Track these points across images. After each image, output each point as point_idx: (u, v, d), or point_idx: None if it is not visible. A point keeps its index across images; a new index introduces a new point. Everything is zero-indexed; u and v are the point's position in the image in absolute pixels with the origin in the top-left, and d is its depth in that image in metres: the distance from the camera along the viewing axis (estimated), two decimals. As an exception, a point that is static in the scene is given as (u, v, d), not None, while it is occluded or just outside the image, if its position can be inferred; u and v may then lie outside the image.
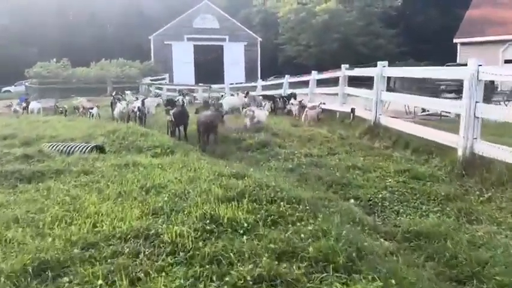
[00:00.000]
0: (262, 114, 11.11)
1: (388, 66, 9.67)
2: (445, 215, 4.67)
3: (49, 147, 8.29)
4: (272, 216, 4.10)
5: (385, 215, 4.79)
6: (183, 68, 41.73)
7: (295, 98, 14.87)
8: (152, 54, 42.64)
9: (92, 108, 14.95)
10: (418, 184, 5.69)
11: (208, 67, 42.96)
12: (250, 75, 42.47)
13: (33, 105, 18.32)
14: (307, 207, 4.41)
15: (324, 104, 13.39)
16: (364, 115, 10.45)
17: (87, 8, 52.71)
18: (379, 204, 5.07)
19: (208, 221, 3.94)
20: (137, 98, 14.65)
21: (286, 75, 18.37)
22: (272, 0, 47.60)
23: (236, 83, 31.15)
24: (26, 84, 28.35)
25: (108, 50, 42.38)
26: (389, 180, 5.88)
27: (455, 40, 29.73)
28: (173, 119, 10.01)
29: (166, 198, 4.60)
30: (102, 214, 4.26)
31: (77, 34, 48.65)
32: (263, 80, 27.39)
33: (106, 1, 52.43)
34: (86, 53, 40.62)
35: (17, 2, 47.95)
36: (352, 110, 11.19)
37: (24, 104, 19.06)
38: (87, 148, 8.04)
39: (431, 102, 8.57)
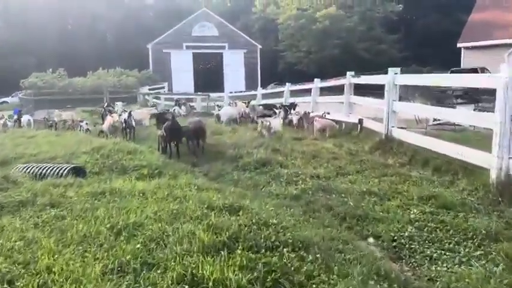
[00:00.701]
0: (277, 123, 10.69)
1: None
2: (491, 262, 3.67)
3: (22, 169, 7.34)
4: (273, 274, 3.13)
5: (416, 262, 3.79)
6: (182, 77, 40.87)
7: (294, 108, 13.90)
8: (151, 63, 41.80)
9: (81, 121, 14.01)
10: (448, 216, 4.69)
11: (208, 75, 42.14)
12: (250, 83, 41.59)
13: (24, 118, 17.40)
14: (318, 256, 3.44)
15: (328, 113, 12.43)
16: (374, 127, 9.48)
17: (86, 17, 52.09)
18: (406, 245, 4.07)
19: (187, 285, 2.98)
20: (125, 110, 13.68)
21: (287, 83, 17.42)
22: (272, 6, 46.83)
23: (236, 92, 30.21)
24: (20, 95, 27.38)
25: (108, 59, 41.61)
26: (414, 210, 4.88)
27: (459, 45, 28.84)
28: (164, 134, 9.06)
29: (139, 246, 3.64)
30: (54, 272, 3.29)
31: (76, 44, 47.96)
32: (263, 88, 26.49)
33: (105, 11, 51.86)
34: (85, 62, 39.79)
35: (15, 12, 47.32)
36: (360, 121, 10.22)
37: (15, 117, 18.15)
38: (64, 170, 7.09)
39: (458, 115, 7.54)
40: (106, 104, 14.99)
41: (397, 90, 8.39)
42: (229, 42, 43.03)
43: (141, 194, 5.51)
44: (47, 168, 7.26)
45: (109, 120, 12.10)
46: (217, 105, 18.06)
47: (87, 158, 8.44)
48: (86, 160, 8.20)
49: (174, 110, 17.11)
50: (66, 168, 7.12)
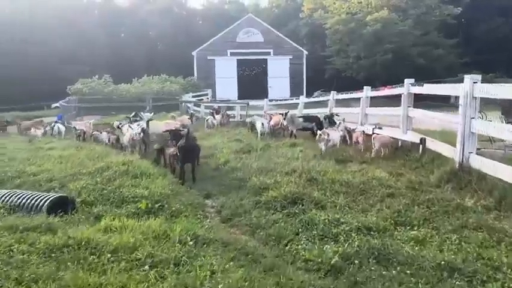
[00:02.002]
0: (336, 136, 9.69)
1: (448, 78, 6.52)
2: None
3: (0, 196, 5.97)
4: None
5: None
6: (226, 84, 39.68)
7: (331, 121, 11.90)
8: (195, 70, 40.95)
9: (101, 133, 12.78)
10: None
11: (252, 82, 40.63)
12: (295, 89, 39.58)
13: (56, 126, 16.57)
14: None
15: (380, 128, 10.35)
16: (441, 149, 7.31)
17: (137, 26, 52.53)
18: None
19: None
20: (137, 119, 12.19)
21: (332, 92, 15.35)
22: (319, 11, 44.64)
23: (279, 100, 28.37)
24: (61, 102, 27.13)
25: (155, 66, 41.39)
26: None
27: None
28: (178, 154, 7.44)
29: None
30: None
31: (126, 52, 48.39)
32: (309, 96, 24.50)
33: (156, 19, 52.06)
34: (134, 69, 39.71)
35: (70, 23, 48.43)
36: (422, 140, 8.07)
37: (51, 125, 17.38)
38: (46, 201, 5.62)
39: None
40: (134, 114, 13.68)
41: (477, 105, 6.22)
42: (274, 48, 41.33)
43: (112, 255, 3.85)
44: (27, 197, 5.83)
45: (129, 132, 10.70)
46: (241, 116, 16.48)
47: (86, 182, 6.99)
48: (83, 186, 6.73)
49: (208, 119, 15.60)
50: (48, 199, 5.64)
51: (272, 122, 13.46)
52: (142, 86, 33.27)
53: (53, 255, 3.88)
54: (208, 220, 5.29)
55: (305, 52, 42.27)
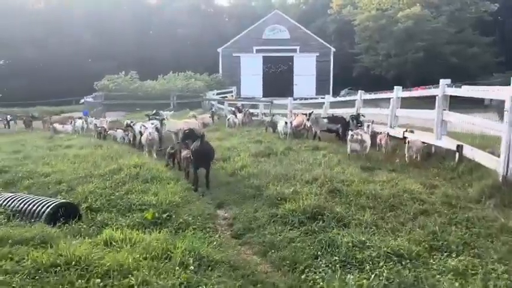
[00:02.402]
0: (368, 138, 9.05)
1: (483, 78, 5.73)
2: None
3: (1, 201, 5.65)
4: None
5: None
6: (251, 81, 39.10)
7: (359, 122, 11.22)
8: (220, 67, 40.54)
9: (116, 131, 12.49)
10: None
11: (277, 80, 39.88)
12: (321, 88, 38.62)
13: (78, 122, 16.45)
14: None
15: (411, 131, 9.60)
16: (480, 158, 6.55)
17: (165, 23, 52.66)
18: None
19: None
20: (157, 118, 11.82)
21: (360, 91, 14.56)
22: (348, 7, 43.40)
23: (306, 98, 27.61)
24: (86, 98, 27.22)
25: (181, 63, 41.20)
26: None
27: None
28: (191, 157, 6.97)
29: None
30: None
31: (154, 48, 48.50)
32: (333, 95, 23.66)
33: (183, 17, 52.02)
34: (160, 66, 39.68)
35: (99, 20, 48.98)
36: (459, 148, 7.31)
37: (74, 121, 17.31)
38: (47, 208, 5.26)
39: None
40: (154, 112, 13.33)
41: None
42: (301, 45, 40.40)
43: (102, 277, 3.39)
44: (29, 202, 5.49)
45: (147, 131, 10.32)
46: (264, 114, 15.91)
47: (95, 185, 6.64)
48: (91, 190, 6.36)
49: (229, 118, 15.13)
50: (49, 206, 5.28)
51: (295, 123, 12.85)
52: (168, 82, 33.16)
53: (38, 277, 3.46)
54: (217, 235, 4.78)
55: (332, 49, 41.17)
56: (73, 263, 3.64)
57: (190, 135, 7.08)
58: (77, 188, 6.57)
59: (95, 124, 14.70)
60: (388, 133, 10.13)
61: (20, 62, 44.43)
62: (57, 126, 16.56)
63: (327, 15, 47.88)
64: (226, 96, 30.67)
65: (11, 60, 46.49)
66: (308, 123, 12.36)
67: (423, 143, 8.73)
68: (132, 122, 12.69)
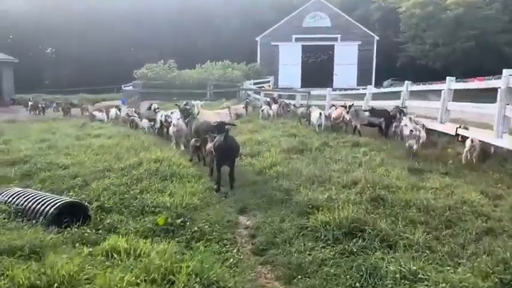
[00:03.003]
0: (425, 134, 8.50)
1: None
2: None
3: (9, 196, 5.17)
4: None
5: None
6: (289, 71, 37.93)
7: (403, 114, 10.19)
8: (258, 56, 39.58)
9: (151, 120, 12.00)
10: None
11: (317, 69, 38.47)
12: (363, 78, 36.93)
13: (112, 111, 16.22)
14: None
15: (465, 128, 8.43)
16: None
17: (204, 11, 52.31)
18: None
19: None
20: (188, 108, 11.17)
21: (407, 82, 13.30)
22: (394, -6, 41.09)
23: (346, 88, 26.25)
24: (124, 87, 27.13)
25: (219, 52, 40.73)
26: None
27: None
28: (213, 153, 6.26)
29: None
30: None
31: (193, 37, 48.41)
32: (376, 86, 22.27)
33: (222, 4, 51.46)
34: (199, 55, 39.39)
35: (139, 9, 49.28)
36: (528, 150, 6.16)
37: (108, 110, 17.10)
38: (52, 207, 4.72)
39: None
40: (185, 103, 12.69)
41: None
42: (343, 34, 38.66)
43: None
44: (35, 200, 4.97)
45: (174, 123, 9.73)
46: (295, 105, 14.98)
47: (111, 181, 6.08)
48: (106, 186, 5.81)
49: (263, 109, 14.30)
50: (54, 206, 4.73)
51: (334, 115, 11.88)
52: (205, 71, 32.72)
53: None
54: (235, 250, 4.03)
55: (376, 38, 39.11)
56: (55, 285, 3.01)
57: (220, 128, 6.36)
58: (91, 184, 6.04)
59: (127, 113, 14.36)
60: (423, 124, 9.17)
61: (65, 51, 45.66)
62: (97, 113, 16.42)
63: (370, 3, 45.61)
64: (263, 86, 29.87)
65: (57, 49, 47.86)
66: (347, 116, 11.35)
67: (480, 141, 7.59)
68: (157, 108, 12.21)
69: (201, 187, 5.83)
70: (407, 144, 7.69)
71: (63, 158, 7.76)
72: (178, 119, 9.63)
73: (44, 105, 22.81)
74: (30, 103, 21.30)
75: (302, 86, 33.58)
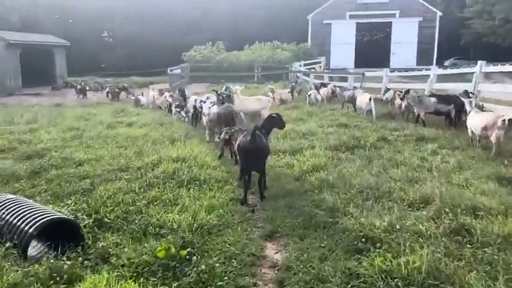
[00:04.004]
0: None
1: None
2: None
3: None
4: None
5: None
6: (342, 50, 35.44)
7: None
8: (309, 36, 37.37)
9: (177, 107, 10.91)
10: None
11: (372, 49, 35.63)
12: (423, 57, 33.77)
13: (150, 95, 15.41)
14: None
15: None
16: None
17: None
18: None
19: None
20: (228, 94, 9.91)
21: (480, 62, 11.18)
22: (460, -36, 36.99)
23: (405, 69, 23.77)
24: (170, 71, 26.28)
25: (270, 32, 39.11)
26: None
27: None
28: (237, 152, 5.01)
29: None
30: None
31: (244, 18, 47.08)
32: (440, 67, 19.83)
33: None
34: (250, 36, 38.03)
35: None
36: None
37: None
38: (32, 226, 3.76)
39: None
40: (224, 88, 11.50)
41: None
42: (401, 10, 35.36)
43: None
44: (19, 214, 4.03)
45: (206, 111, 8.57)
46: (340, 87, 13.20)
47: (121, 185, 5.04)
48: (113, 192, 4.79)
49: (310, 94, 12.78)
50: (34, 224, 3.75)
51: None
52: (253, 53, 31.36)
53: None
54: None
55: (439, 13, 35.48)
56: None
57: (273, 122, 5.13)
58: (99, 187, 5.05)
59: (165, 97, 13.46)
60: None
61: (122, 34, 46.04)
62: (141, 98, 15.69)
63: (432, -25, 41.59)
64: (313, 68, 28.02)
65: (114, 33, 48.47)
66: (403, 103, 9.64)
67: None
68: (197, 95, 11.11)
69: (224, 197, 4.62)
70: (493, 139, 5.98)
71: (81, 153, 6.88)
72: (210, 107, 8.46)
73: (94, 88, 22.68)
74: (78, 87, 21.16)
75: (356, 67, 31.27)
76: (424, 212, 3.77)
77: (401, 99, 9.75)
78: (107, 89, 20.52)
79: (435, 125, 8.70)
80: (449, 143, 6.73)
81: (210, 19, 47.83)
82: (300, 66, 27.28)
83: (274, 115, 5.31)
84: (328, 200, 4.22)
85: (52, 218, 3.90)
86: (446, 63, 32.61)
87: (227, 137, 6.18)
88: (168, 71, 23.38)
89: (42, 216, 3.92)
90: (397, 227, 3.46)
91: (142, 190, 4.85)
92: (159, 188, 4.85)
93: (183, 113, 10.38)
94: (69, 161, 6.35)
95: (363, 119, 9.78)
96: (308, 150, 6.35)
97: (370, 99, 10.27)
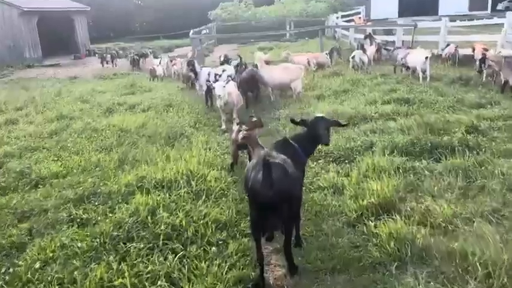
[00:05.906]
0: None
1: None
2: None
3: None
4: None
5: None
6: (383, -2, 31.17)
7: None
8: (347, -17, 33.34)
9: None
10: None
11: (418, -7, 31.08)
12: (475, 1, 29.02)
13: (163, 64, 13.26)
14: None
15: None
16: None
17: None
18: None
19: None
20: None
21: None
22: None
23: (471, 17, 19.89)
24: (192, 35, 22.36)
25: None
26: None
27: None
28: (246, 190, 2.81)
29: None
30: None
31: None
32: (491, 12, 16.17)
33: None
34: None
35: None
36: None
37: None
38: None
39: None
40: (239, 60, 8.95)
41: None
42: None
43: None
44: None
45: (220, 91, 6.29)
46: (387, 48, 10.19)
47: (63, 240, 3.07)
48: (47, 258, 2.81)
49: (354, 56, 10.06)
50: None
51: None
52: (284, 7, 28.08)
53: None
54: None
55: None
56: None
57: (317, 131, 2.92)
58: (33, 242, 3.11)
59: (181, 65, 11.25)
60: None
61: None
62: (157, 68, 13.26)
63: None
64: (352, 20, 24.32)
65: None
66: (493, 63, 6.98)
67: None
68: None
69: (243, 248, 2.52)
70: None
71: (46, 163, 4.94)
72: (225, 84, 6.20)
73: (114, 56, 20.55)
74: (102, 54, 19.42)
75: (400, 16, 27.31)
76: None
77: (482, 60, 7.09)
78: (131, 54, 18.55)
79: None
80: None
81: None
82: (338, 18, 23.89)
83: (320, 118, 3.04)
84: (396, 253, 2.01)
85: None
86: (499, 7, 27.87)
87: (242, 137, 3.97)
88: (190, 35, 20.48)
89: None
90: None
91: (91, 256, 2.83)
92: (114, 254, 2.80)
93: (202, 89, 8.05)
94: (24, 180, 4.43)
95: (428, 87, 7.24)
96: (364, 156, 4.05)
97: (426, 57, 7.89)
